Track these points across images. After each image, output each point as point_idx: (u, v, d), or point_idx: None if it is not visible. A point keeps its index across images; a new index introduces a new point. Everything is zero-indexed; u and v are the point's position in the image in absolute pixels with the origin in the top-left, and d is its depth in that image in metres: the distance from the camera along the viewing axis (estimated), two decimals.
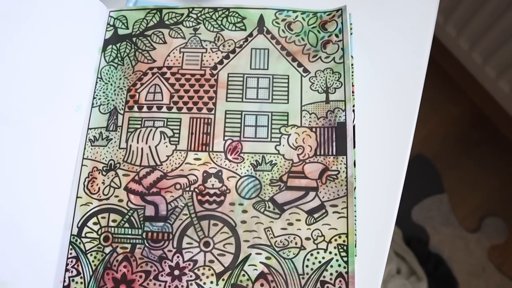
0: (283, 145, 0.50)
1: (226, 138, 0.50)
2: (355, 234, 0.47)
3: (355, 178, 0.48)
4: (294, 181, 0.48)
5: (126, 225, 0.48)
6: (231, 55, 0.53)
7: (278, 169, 0.49)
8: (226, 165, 0.49)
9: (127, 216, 0.48)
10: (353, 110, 0.50)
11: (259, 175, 0.49)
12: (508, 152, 1.49)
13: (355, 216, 0.47)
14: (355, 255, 0.46)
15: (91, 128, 0.51)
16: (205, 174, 0.49)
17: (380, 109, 0.53)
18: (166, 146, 0.50)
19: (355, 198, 0.47)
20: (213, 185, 0.49)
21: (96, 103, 0.52)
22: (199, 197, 0.48)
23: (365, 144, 0.51)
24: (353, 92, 0.51)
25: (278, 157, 0.49)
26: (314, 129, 0.50)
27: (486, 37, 1.24)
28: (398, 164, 0.51)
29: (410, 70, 0.55)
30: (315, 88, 0.51)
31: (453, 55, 1.40)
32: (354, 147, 0.49)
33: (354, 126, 0.50)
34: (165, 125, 0.51)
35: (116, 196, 0.49)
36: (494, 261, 1.40)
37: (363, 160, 0.51)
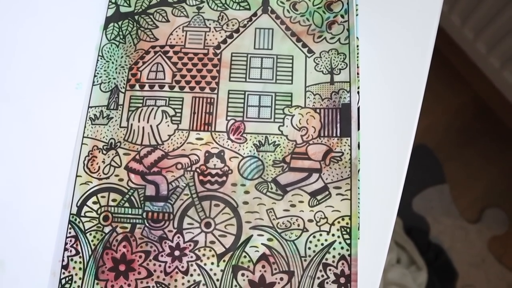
0: (287, 126, 0.49)
1: (228, 118, 0.49)
2: (359, 217, 0.46)
3: (359, 160, 0.47)
4: (297, 162, 0.48)
5: (126, 204, 0.47)
6: (235, 35, 0.53)
7: (281, 150, 0.48)
8: (228, 145, 0.48)
9: (127, 196, 0.47)
10: (358, 92, 0.49)
11: (262, 156, 0.48)
12: (511, 144, 1.49)
13: (358, 198, 0.46)
14: (358, 238, 0.45)
15: (91, 107, 0.51)
16: (207, 154, 0.48)
17: (385, 93, 0.52)
18: (168, 126, 0.49)
19: (358, 180, 0.47)
20: (215, 165, 0.48)
21: (97, 81, 0.51)
22: (201, 177, 0.47)
23: (370, 127, 0.50)
24: (358, 73, 0.50)
25: (281, 138, 0.49)
26: (318, 110, 0.49)
27: (491, 26, 1.23)
28: (403, 146, 0.50)
29: (415, 56, 0.54)
30: (320, 69, 0.51)
31: (458, 44, 1.39)
32: (359, 129, 0.48)
33: (359, 108, 0.49)
34: (167, 104, 0.50)
35: (117, 175, 0.48)
36: (494, 252, 1.40)
37: (368, 142, 0.50)
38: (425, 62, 0.54)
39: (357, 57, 0.51)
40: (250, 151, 0.48)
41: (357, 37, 0.51)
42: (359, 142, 0.48)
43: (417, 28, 0.55)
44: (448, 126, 1.50)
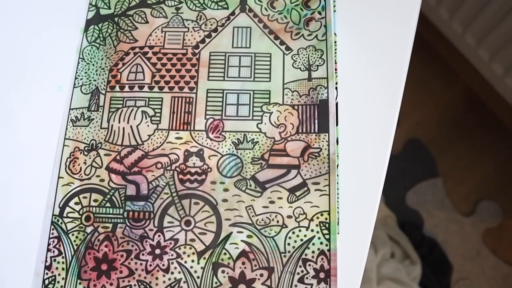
0: (265, 123, 0.49)
1: (207, 117, 0.50)
2: (338, 212, 0.46)
3: (337, 156, 0.48)
4: (275, 159, 0.48)
5: (108, 204, 0.48)
6: (213, 34, 0.53)
7: (259, 147, 0.49)
8: (207, 143, 0.49)
9: (108, 196, 0.48)
10: (336, 88, 0.50)
11: (241, 154, 0.48)
12: (503, 136, 1.49)
13: (337, 193, 0.47)
14: (338, 233, 0.46)
15: (73, 109, 0.51)
16: (186, 153, 0.49)
17: (364, 87, 0.53)
18: (148, 126, 0.50)
19: (337, 175, 0.47)
20: (194, 164, 0.48)
21: (78, 83, 0.52)
22: (180, 176, 0.48)
23: (349, 122, 0.51)
24: (336, 69, 0.50)
25: (259, 135, 0.49)
26: (296, 107, 0.50)
27: (479, 19, 1.23)
28: (383, 141, 0.51)
29: (395, 48, 0.54)
30: (298, 65, 0.51)
31: (447, 38, 1.39)
32: (337, 124, 0.49)
33: (337, 104, 0.49)
34: (146, 105, 0.50)
35: (98, 176, 0.49)
36: (489, 244, 1.41)
37: (347, 138, 0.50)
38: (406, 55, 0.54)
39: (335, 53, 0.51)
40: (229, 149, 0.49)
41: (334, 33, 0.52)
42: (337, 138, 0.48)
43: (397, 22, 0.55)
44: (440, 119, 1.51)
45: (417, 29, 0.56)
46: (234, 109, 0.50)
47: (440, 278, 1.33)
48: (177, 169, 0.48)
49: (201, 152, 0.49)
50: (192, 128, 0.49)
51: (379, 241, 1.24)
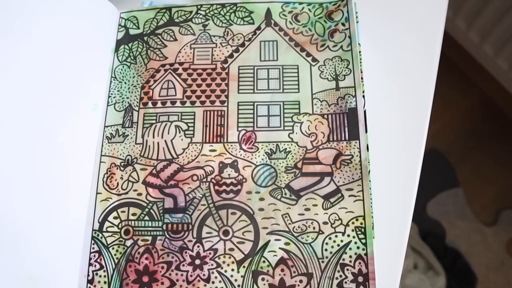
0: (296, 133, 0.50)
1: (240, 128, 0.51)
2: (372, 217, 0.47)
3: (368, 162, 0.49)
4: (309, 167, 0.49)
5: (146, 218, 0.49)
6: (241, 49, 0.54)
7: (292, 156, 0.50)
8: (241, 155, 0.50)
9: (146, 209, 0.49)
10: (363, 96, 0.51)
11: (274, 163, 0.50)
12: None
13: (370, 198, 0.47)
14: (373, 237, 0.47)
15: (107, 126, 0.52)
16: (221, 165, 0.50)
17: (393, 95, 0.54)
18: (182, 139, 0.51)
19: (370, 181, 0.48)
20: (229, 175, 0.49)
21: (112, 101, 0.53)
22: (216, 187, 0.49)
23: (379, 129, 0.52)
24: (362, 78, 0.52)
25: (292, 144, 0.50)
26: (325, 116, 0.51)
27: (497, 28, 1.24)
28: (415, 145, 0.52)
29: (422, 56, 0.56)
30: (325, 76, 0.52)
31: (464, 48, 1.40)
32: (366, 131, 0.50)
33: (365, 111, 0.50)
34: (179, 119, 0.52)
35: (135, 190, 0.50)
36: None
37: (377, 144, 0.51)
38: (434, 61, 0.56)
39: (360, 62, 0.52)
40: (262, 159, 0.50)
41: (359, 43, 0.53)
42: (367, 144, 0.49)
43: (423, 30, 0.57)
44: (459, 129, 1.51)
45: None
46: (266, 120, 0.51)
47: None
48: (213, 180, 0.49)
49: (235, 163, 0.50)
50: (225, 140, 0.51)
51: None
